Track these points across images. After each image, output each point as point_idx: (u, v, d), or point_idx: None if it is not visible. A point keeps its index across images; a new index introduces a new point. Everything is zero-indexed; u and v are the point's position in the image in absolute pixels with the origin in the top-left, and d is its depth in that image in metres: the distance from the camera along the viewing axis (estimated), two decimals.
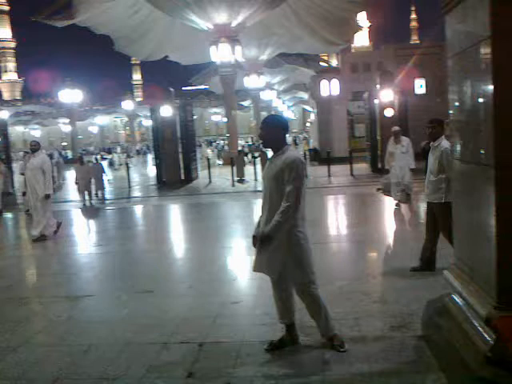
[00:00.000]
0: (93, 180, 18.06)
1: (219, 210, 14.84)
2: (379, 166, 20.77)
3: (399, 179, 12.30)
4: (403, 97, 22.64)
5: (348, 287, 6.29)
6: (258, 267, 4.42)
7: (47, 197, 10.64)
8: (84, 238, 11.65)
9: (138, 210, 16.57)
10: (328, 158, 22.58)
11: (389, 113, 21.71)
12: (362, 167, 23.29)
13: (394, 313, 5.28)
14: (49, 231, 10.86)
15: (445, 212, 6.37)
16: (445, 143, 6.51)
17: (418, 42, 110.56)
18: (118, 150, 58.84)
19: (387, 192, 13.18)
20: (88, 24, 31.35)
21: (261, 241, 4.23)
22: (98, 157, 42.47)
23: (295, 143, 53.19)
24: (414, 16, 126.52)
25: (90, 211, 16.16)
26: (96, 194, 18.65)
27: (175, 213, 15.44)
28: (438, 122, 6.75)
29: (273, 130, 4.38)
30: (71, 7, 28.40)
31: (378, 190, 14.61)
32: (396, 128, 12.69)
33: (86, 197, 17.39)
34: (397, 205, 12.24)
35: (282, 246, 4.28)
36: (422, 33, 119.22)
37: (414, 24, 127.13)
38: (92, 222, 14.18)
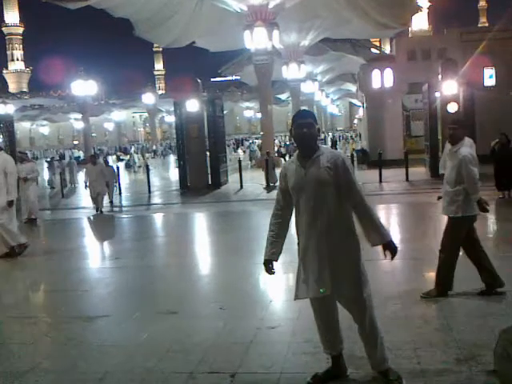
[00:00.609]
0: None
1: (251, 220, 14.88)
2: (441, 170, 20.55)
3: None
4: (469, 89, 22.36)
5: (403, 311, 6.21)
6: (330, 287, 4.27)
7: (10, 204, 10.47)
8: (98, 250, 11.83)
9: (159, 218, 16.73)
10: (379, 160, 22.43)
11: (452, 108, 21.48)
12: (420, 172, 23.05)
13: (460, 343, 5.19)
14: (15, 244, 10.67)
15: (457, 228, 6.49)
16: (465, 149, 6.49)
17: (486, 24, 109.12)
18: (132, 149, 59.47)
19: None
20: (104, 6, 31.95)
21: (390, 250, 4.28)
22: (113, 158, 43.18)
23: (334, 144, 52.79)
24: None
25: (104, 220, 16.39)
26: (110, 200, 18.96)
27: (201, 222, 15.53)
28: (461, 123, 6.75)
29: (315, 128, 4.36)
30: None
31: (439, 198, 14.42)
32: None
33: (105, 202, 17.68)
34: None
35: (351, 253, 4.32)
36: (493, 14, 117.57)
37: (482, 4, 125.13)
38: (107, 232, 14.36)
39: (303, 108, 5.15)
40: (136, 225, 15.53)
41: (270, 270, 4.45)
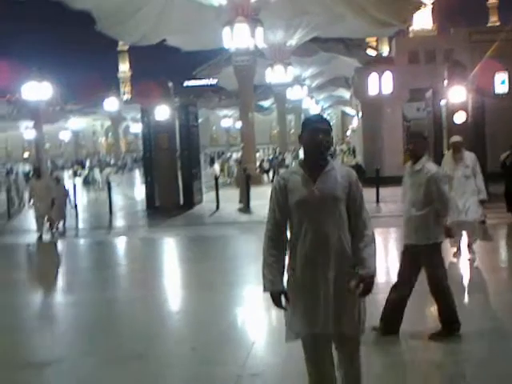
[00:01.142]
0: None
1: (229, 247, 14.77)
2: None
3: (461, 217, 10.64)
4: (479, 97, 22.53)
5: (411, 355, 6.16)
6: (327, 325, 4.24)
7: None
8: (48, 282, 11.61)
9: (121, 244, 16.54)
10: (376, 177, 22.45)
11: (460, 118, 21.58)
12: None
13: None
14: None
15: (434, 256, 6.52)
16: (431, 166, 6.56)
17: (498, 24, 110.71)
18: (87, 163, 59.20)
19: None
20: None
21: (366, 286, 4.18)
22: (70, 173, 42.87)
23: None
24: None
25: (53, 246, 16.18)
26: (58, 223, 18.43)
27: (171, 249, 15.37)
28: (422, 137, 6.76)
29: (331, 137, 4.31)
30: None
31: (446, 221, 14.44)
32: (456, 138, 10.98)
33: (50, 225, 17.31)
34: (455, 254, 11.09)
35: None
36: (504, 12, 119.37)
37: (492, 1, 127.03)
38: (59, 261, 14.19)
39: (315, 114, 5.08)
40: (94, 252, 15.36)
41: (279, 302, 4.27)
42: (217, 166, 36.95)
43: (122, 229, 19.36)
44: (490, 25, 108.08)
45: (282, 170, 27.05)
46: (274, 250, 4.30)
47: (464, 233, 10.97)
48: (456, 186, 10.56)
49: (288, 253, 4.32)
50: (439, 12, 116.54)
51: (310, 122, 4.30)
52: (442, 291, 6.61)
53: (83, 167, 58.14)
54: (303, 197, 4.19)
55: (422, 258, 6.59)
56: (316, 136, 4.17)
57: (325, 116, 4.54)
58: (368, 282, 4.17)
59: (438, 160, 21.77)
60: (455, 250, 10.97)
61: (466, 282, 9.76)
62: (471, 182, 10.65)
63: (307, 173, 4.23)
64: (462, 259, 10.82)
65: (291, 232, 4.30)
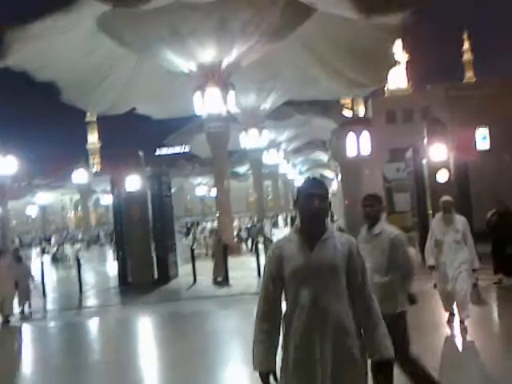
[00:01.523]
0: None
1: (208, 324, 14.41)
2: None
3: (451, 286, 10.39)
4: (461, 154, 22.69)
5: None
6: None
7: None
8: (6, 374, 11.14)
9: (93, 326, 16.20)
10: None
11: (443, 177, 21.64)
12: (410, 252, 22.97)
13: None
14: None
15: (400, 325, 6.28)
16: (392, 229, 6.45)
17: (474, 79, 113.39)
18: (52, 240, 58.54)
19: None
20: (26, 67, 32.00)
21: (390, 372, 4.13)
22: (38, 250, 42.24)
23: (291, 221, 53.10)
24: (467, 46, 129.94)
25: (15, 331, 15.74)
26: (22, 308, 18.02)
27: (146, 329, 15.09)
28: (378, 199, 6.67)
29: (328, 203, 4.20)
30: (1, 44, 29.00)
31: (436, 286, 14.20)
32: (446, 198, 10.70)
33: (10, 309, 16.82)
34: (449, 321, 10.84)
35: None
36: (480, 67, 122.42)
37: (467, 57, 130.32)
38: (22, 347, 13.85)
39: (311, 177, 4.96)
40: (63, 336, 15.02)
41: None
42: (190, 237, 36.65)
43: (93, 309, 18.92)
44: (466, 81, 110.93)
45: (261, 239, 26.87)
46: (267, 325, 4.09)
47: (455, 306, 10.65)
48: (446, 251, 10.34)
49: (282, 329, 4.11)
50: (414, 70, 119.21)
51: (306, 187, 4.18)
52: (411, 359, 6.35)
53: (51, 243, 57.50)
54: (299, 266, 4.02)
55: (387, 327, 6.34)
56: (312, 202, 4.05)
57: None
58: (388, 367, 4.06)
59: (422, 221, 22.00)
60: (448, 315, 10.79)
61: (457, 353, 9.55)
62: (462, 249, 10.36)
63: (303, 241, 4.08)
64: (454, 328, 10.54)
65: (286, 305, 4.11)
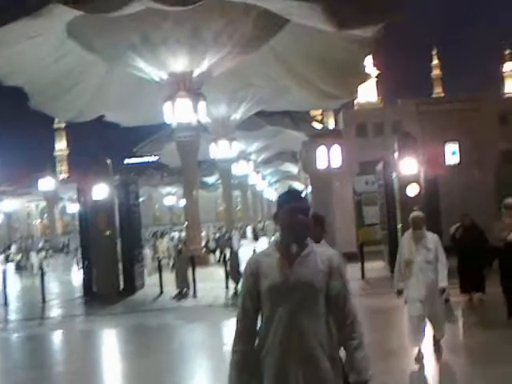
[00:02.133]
0: None
1: (175, 338, 14.25)
2: None
3: (421, 310, 9.72)
4: (432, 168, 22.73)
5: None
6: None
7: None
8: None
9: (55, 339, 15.93)
10: None
11: (413, 190, 21.66)
12: (378, 267, 23.03)
13: None
14: None
15: None
16: (333, 252, 5.63)
17: (442, 95, 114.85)
18: (13, 248, 57.59)
19: None
20: None
21: None
22: (1, 258, 41.56)
23: (255, 236, 53.22)
24: (436, 62, 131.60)
25: None
26: None
27: (110, 343, 14.86)
28: (320, 219, 6.37)
29: (309, 216, 3.98)
30: None
31: (400, 293, 14.01)
32: (416, 214, 10.14)
33: None
34: (417, 357, 9.87)
35: None
36: (448, 82, 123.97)
37: (436, 72, 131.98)
38: None
39: (291, 188, 4.78)
40: (24, 349, 14.64)
41: None
42: (159, 246, 36.15)
43: (56, 319, 18.63)
44: (435, 95, 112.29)
45: (228, 250, 26.64)
46: (243, 345, 3.88)
47: (428, 327, 10.00)
48: (416, 272, 9.69)
49: (257, 348, 3.89)
50: (383, 84, 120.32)
51: (288, 200, 3.94)
52: None
53: (16, 251, 56.60)
54: (276, 283, 3.79)
55: None
56: (295, 216, 3.82)
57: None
58: None
59: (391, 234, 21.97)
60: (417, 351, 9.83)
61: (433, 374, 9.45)
62: (433, 269, 9.71)
63: (283, 256, 3.85)
64: (425, 363, 9.83)
65: (261, 322, 3.89)
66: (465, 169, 27.57)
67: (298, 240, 3.86)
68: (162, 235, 39.04)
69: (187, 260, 22.15)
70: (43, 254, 46.63)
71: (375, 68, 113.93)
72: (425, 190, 21.97)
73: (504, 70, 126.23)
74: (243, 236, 49.54)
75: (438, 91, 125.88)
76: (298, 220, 3.82)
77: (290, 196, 4.00)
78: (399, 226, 21.91)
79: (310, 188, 32.34)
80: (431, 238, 9.92)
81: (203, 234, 39.97)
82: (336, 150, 29.51)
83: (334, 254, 4.00)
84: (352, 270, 21.78)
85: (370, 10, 28.04)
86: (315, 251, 3.90)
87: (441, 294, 9.77)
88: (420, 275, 9.65)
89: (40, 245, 63.25)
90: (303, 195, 4.09)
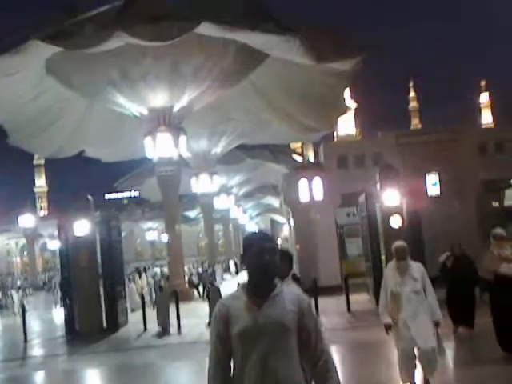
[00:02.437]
0: None
1: (160, 377, 14.01)
2: None
3: (413, 345, 9.27)
4: (413, 200, 22.73)
5: None
6: None
7: None
8: None
9: (38, 379, 15.64)
10: (314, 288, 22.02)
11: (396, 222, 21.64)
12: (363, 299, 22.85)
13: None
14: None
15: None
16: (300, 292, 4.74)
17: (419, 126, 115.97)
18: None
19: None
20: None
21: None
22: None
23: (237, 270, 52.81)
24: (413, 94, 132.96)
25: None
26: None
27: (94, 382, 14.63)
28: (286, 255, 6.14)
29: (277, 257, 3.91)
30: None
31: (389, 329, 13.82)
32: (400, 244, 9.71)
33: None
34: None
35: None
36: (425, 114, 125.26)
37: (413, 105, 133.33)
38: None
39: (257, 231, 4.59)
40: None
41: None
42: (141, 282, 35.75)
43: (38, 359, 18.21)
44: (412, 127, 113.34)
45: (212, 285, 26.34)
46: None
47: (418, 364, 9.46)
48: (405, 304, 9.20)
49: None
50: (362, 117, 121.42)
51: (254, 241, 3.88)
52: None
53: None
54: (246, 326, 3.73)
55: None
56: (261, 257, 3.77)
57: (256, 226, 4.11)
58: None
59: (376, 266, 21.85)
60: None
61: None
62: (422, 299, 9.27)
63: (251, 298, 3.79)
64: None
65: (234, 368, 3.80)
66: (446, 199, 27.63)
67: (265, 281, 3.81)
68: (144, 270, 38.64)
69: (169, 296, 21.91)
70: (23, 291, 46.04)
71: (353, 100, 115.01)
72: (407, 221, 21.95)
73: (480, 100, 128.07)
74: (226, 270, 49.18)
75: (415, 123, 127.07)
76: (264, 262, 3.78)
77: (257, 237, 3.98)
78: (383, 257, 21.85)
79: (291, 221, 32.27)
80: (416, 267, 9.55)
81: (186, 268, 39.67)
82: (317, 182, 29.51)
83: (301, 293, 3.99)
84: (337, 303, 21.78)
85: (348, 43, 28.36)
86: (284, 291, 3.85)
87: (434, 327, 9.39)
88: (409, 307, 9.19)
89: (20, 282, 62.56)
90: (270, 236, 4.02)
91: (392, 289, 9.39)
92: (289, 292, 3.89)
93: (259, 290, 3.81)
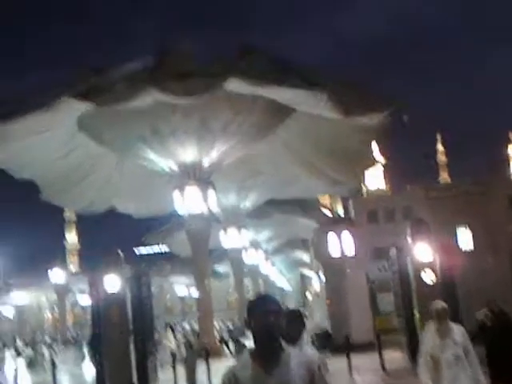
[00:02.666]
0: None
1: None
2: None
3: None
4: (446, 254, 22.38)
5: None
6: None
7: None
8: None
9: None
10: (346, 344, 21.62)
11: (428, 277, 21.24)
12: (397, 357, 22.29)
13: None
14: None
15: None
16: (312, 353, 4.78)
17: (449, 180, 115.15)
18: (21, 342, 56.63)
19: None
20: (5, 165, 31.66)
21: None
22: (13, 352, 40.87)
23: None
24: (441, 148, 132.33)
25: None
26: None
27: None
28: (298, 316, 6.00)
29: (281, 320, 3.87)
30: None
31: None
32: (440, 305, 9.29)
33: None
34: None
35: None
36: (454, 168, 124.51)
37: (442, 158, 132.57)
38: None
39: (263, 293, 4.56)
40: None
41: None
42: (171, 338, 35.47)
43: None
44: (441, 181, 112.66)
45: (238, 341, 25.99)
46: None
47: None
48: (445, 370, 8.75)
49: None
50: (390, 171, 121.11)
51: (258, 305, 3.85)
52: None
53: (26, 345, 55.76)
54: None
55: None
56: (266, 321, 3.71)
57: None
58: None
59: (409, 322, 21.38)
60: None
61: None
62: (464, 366, 8.78)
63: (260, 365, 3.70)
64: None
65: None
66: (479, 254, 27.24)
67: (270, 342, 3.73)
68: (172, 328, 38.33)
69: (198, 354, 21.62)
70: (55, 347, 46.03)
71: (382, 156, 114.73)
72: (440, 276, 21.55)
73: (509, 152, 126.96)
74: None
75: (444, 177, 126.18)
76: (268, 324, 3.72)
77: (262, 301, 3.91)
78: (416, 312, 21.41)
79: (323, 276, 31.95)
80: (458, 330, 9.10)
81: (215, 323, 39.32)
82: (348, 237, 29.27)
83: (314, 354, 3.97)
84: (370, 360, 21.24)
85: (375, 97, 28.40)
86: (292, 354, 3.76)
87: None
88: (450, 374, 8.72)
89: (50, 338, 62.51)
90: (275, 299, 3.95)
91: (431, 353, 8.94)
92: (299, 355, 3.81)
93: (265, 352, 3.74)
